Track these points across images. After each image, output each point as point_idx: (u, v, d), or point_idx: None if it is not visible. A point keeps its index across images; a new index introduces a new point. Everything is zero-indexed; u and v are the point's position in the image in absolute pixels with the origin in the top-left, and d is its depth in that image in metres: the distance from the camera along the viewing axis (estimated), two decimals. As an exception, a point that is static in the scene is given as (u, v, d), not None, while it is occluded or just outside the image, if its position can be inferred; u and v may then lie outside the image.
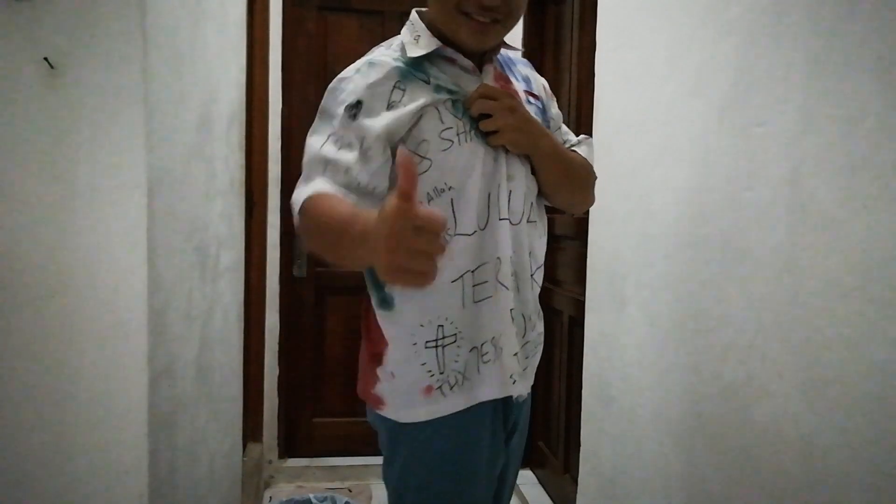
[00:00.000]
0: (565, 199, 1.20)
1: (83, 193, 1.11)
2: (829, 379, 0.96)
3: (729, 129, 1.21)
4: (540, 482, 2.65)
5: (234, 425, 2.10)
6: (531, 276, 1.13)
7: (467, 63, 1.07)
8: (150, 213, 1.15)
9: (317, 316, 2.84)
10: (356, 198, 0.93)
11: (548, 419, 2.53)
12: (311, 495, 2.34)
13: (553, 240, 2.43)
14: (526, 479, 2.66)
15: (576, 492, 2.01)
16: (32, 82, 1.08)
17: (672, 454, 1.42)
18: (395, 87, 1.01)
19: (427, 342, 1.04)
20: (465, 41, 1.03)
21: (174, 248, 1.33)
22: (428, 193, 1.02)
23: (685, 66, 1.37)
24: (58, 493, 1.14)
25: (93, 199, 1.11)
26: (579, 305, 2.09)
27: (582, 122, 2.15)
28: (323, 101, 1.05)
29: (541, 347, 1.20)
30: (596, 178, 1.23)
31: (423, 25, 1.07)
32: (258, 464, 2.56)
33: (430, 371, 1.05)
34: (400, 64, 1.03)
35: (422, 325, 1.04)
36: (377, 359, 1.08)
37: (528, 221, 1.11)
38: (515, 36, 2.63)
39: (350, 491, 2.58)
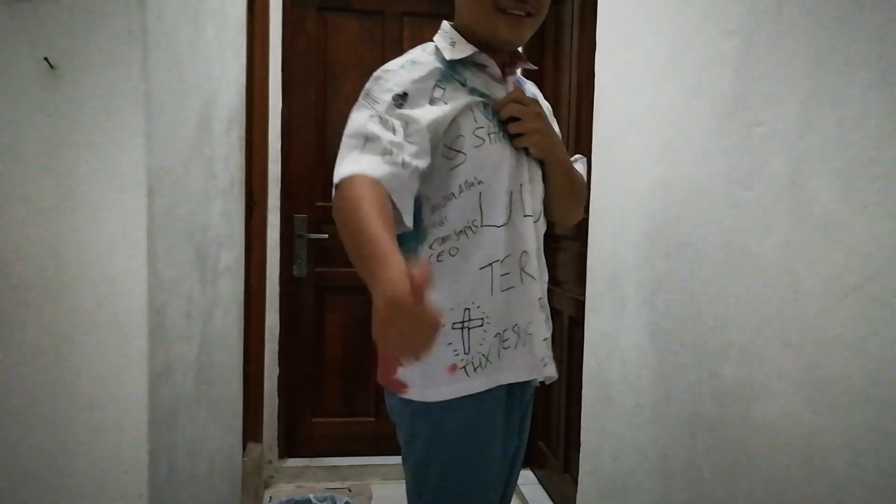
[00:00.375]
0: (562, 209, 1.29)
1: (83, 193, 1.11)
2: (829, 379, 0.96)
3: (729, 129, 1.21)
4: (540, 482, 2.65)
5: (234, 425, 2.11)
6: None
7: (496, 71, 1.18)
8: (150, 213, 1.15)
9: (317, 316, 2.84)
10: (392, 171, 0.96)
11: (548, 419, 2.54)
12: (311, 495, 2.34)
13: (553, 240, 2.44)
14: (526, 479, 2.66)
15: (576, 492, 2.01)
16: (32, 82, 1.08)
17: (672, 454, 1.42)
18: (436, 85, 1.09)
19: (454, 324, 1.10)
20: (503, 36, 1.13)
21: (174, 248, 1.33)
22: (460, 185, 1.10)
23: (685, 66, 1.38)
24: (58, 493, 1.14)
25: (93, 199, 1.11)
26: (579, 305, 2.09)
27: (582, 122, 2.15)
28: (367, 85, 1.10)
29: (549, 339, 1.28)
30: (587, 195, 1.35)
31: (457, 33, 1.17)
32: (258, 464, 2.56)
33: (455, 351, 1.10)
34: (439, 65, 1.12)
35: (451, 309, 1.10)
36: None
37: (542, 221, 1.23)
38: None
39: (350, 491, 2.58)
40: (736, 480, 1.18)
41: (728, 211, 1.21)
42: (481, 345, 1.12)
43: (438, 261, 1.10)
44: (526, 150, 1.18)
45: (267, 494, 2.64)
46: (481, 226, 1.11)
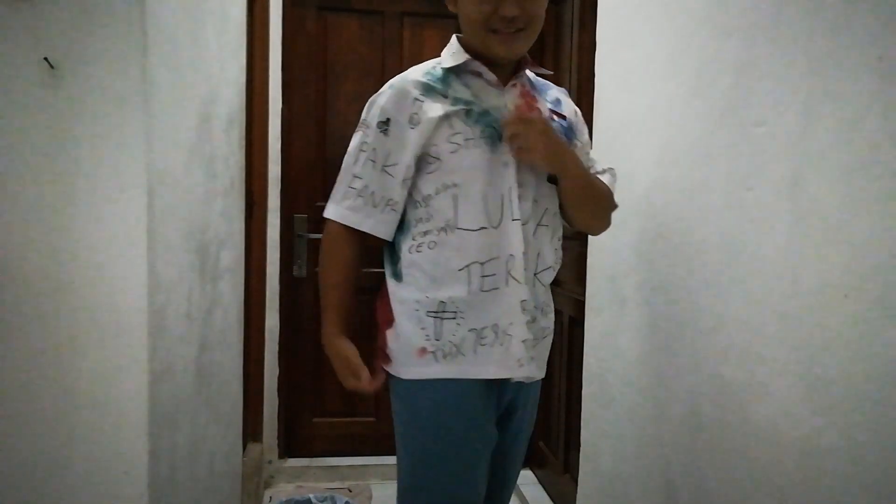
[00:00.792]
0: (584, 220, 1.34)
1: (83, 193, 1.11)
2: (829, 379, 0.96)
3: (729, 129, 1.21)
4: (540, 482, 2.65)
5: (234, 425, 2.11)
6: (535, 274, 1.25)
7: (492, 77, 1.23)
8: (150, 213, 1.15)
9: (317, 316, 2.82)
10: (368, 208, 1.23)
11: (548, 419, 2.54)
12: (311, 495, 2.34)
13: (553, 240, 2.43)
14: (526, 479, 2.66)
15: (576, 492, 2.01)
16: (32, 82, 1.08)
17: (672, 454, 1.42)
18: (415, 99, 1.20)
19: (428, 311, 1.21)
20: (497, 53, 1.20)
21: (174, 248, 1.33)
22: (437, 188, 1.19)
23: (685, 66, 1.37)
24: (58, 493, 1.14)
25: (93, 199, 1.11)
26: (579, 305, 2.09)
27: (582, 122, 2.15)
28: (364, 110, 1.28)
29: (548, 339, 1.32)
30: (616, 206, 1.36)
31: (459, 45, 1.25)
32: (258, 464, 2.56)
33: (427, 336, 1.21)
34: (425, 79, 1.22)
35: (427, 297, 1.21)
36: (390, 322, 1.26)
37: (538, 225, 1.24)
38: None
39: (350, 491, 2.58)
40: (736, 480, 1.18)
41: (728, 211, 1.21)
42: (454, 335, 1.20)
43: (417, 251, 1.22)
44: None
45: (267, 494, 2.64)
46: (456, 228, 1.19)
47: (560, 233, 1.32)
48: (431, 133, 1.18)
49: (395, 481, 1.30)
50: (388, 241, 1.27)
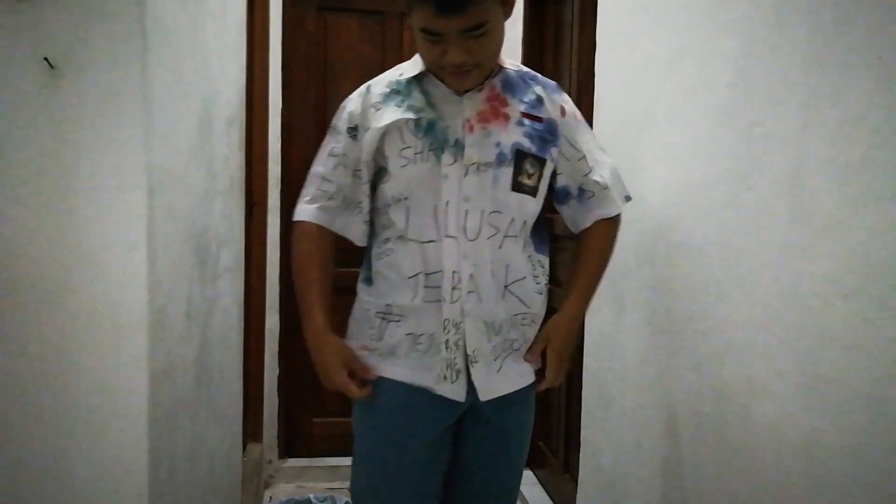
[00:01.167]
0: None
1: (83, 193, 1.11)
2: (829, 379, 0.96)
3: (729, 129, 1.21)
4: (540, 482, 2.65)
5: (234, 425, 2.11)
6: (506, 287, 1.24)
7: (447, 87, 1.23)
8: (150, 213, 1.15)
9: (317, 316, 2.83)
10: (339, 209, 1.31)
11: (548, 419, 2.53)
12: (311, 495, 2.34)
13: (553, 240, 2.43)
14: (526, 479, 2.66)
15: (576, 492, 2.01)
16: (32, 82, 1.08)
17: (672, 454, 1.42)
18: (372, 106, 1.23)
19: (377, 312, 1.27)
20: (451, 86, 1.21)
21: (174, 248, 1.33)
22: (391, 198, 1.23)
23: (685, 66, 1.37)
24: (58, 493, 1.14)
25: (93, 199, 1.11)
26: (579, 305, 2.08)
27: (582, 122, 2.15)
28: (335, 115, 1.32)
29: (514, 355, 1.28)
30: (617, 230, 1.38)
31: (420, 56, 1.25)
32: (258, 464, 2.56)
33: (372, 336, 1.27)
34: (387, 88, 1.25)
35: (379, 300, 1.26)
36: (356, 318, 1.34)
37: (505, 237, 1.22)
38: (516, 35, 2.63)
39: (350, 491, 2.58)
40: (736, 480, 1.18)
41: (728, 211, 1.21)
42: (392, 337, 1.24)
43: (380, 259, 1.27)
44: (477, 168, 1.19)
45: (267, 494, 2.64)
46: (407, 238, 1.22)
47: (532, 241, 1.30)
48: (380, 142, 1.21)
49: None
50: (365, 248, 1.32)
